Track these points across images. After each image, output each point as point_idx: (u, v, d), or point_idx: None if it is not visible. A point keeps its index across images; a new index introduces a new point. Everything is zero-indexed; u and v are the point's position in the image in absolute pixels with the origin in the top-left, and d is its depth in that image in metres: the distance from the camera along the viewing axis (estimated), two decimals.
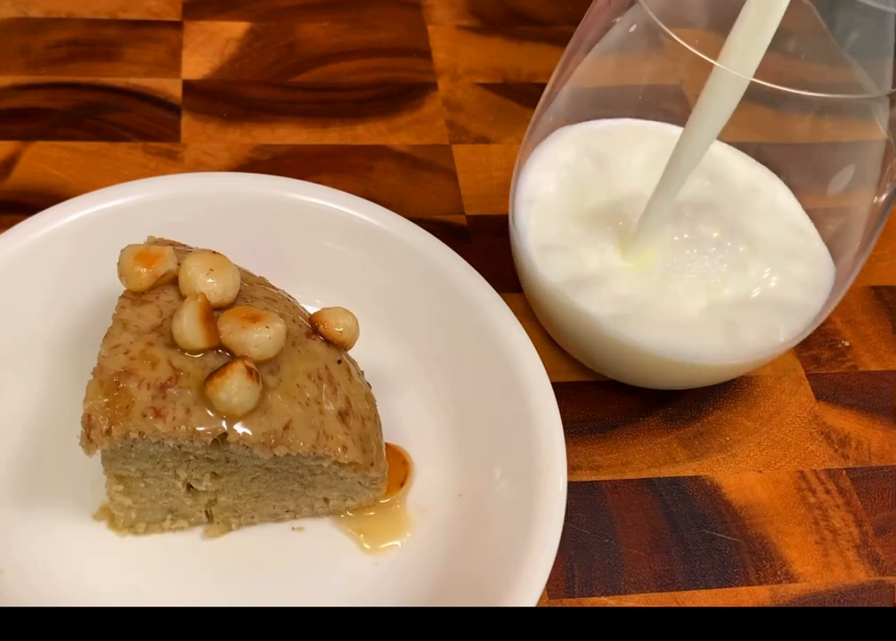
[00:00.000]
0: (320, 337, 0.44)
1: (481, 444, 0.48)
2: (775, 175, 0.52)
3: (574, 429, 0.52)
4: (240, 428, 0.40)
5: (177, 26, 0.68)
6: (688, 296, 0.47)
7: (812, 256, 0.49)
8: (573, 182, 0.50)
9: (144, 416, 0.39)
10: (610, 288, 0.47)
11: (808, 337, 0.50)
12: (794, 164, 0.51)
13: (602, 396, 0.53)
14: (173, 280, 0.42)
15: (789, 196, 0.51)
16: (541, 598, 0.44)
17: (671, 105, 0.51)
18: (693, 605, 0.47)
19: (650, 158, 0.51)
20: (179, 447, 0.40)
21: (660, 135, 0.51)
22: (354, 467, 0.43)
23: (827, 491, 0.51)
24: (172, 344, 0.40)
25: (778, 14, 0.38)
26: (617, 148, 0.52)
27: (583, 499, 0.49)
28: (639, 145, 0.52)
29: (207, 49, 0.67)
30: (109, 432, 0.38)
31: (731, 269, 0.47)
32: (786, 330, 0.47)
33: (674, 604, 0.47)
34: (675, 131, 0.50)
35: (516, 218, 0.50)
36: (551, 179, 0.50)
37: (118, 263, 0.42)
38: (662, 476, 0.51)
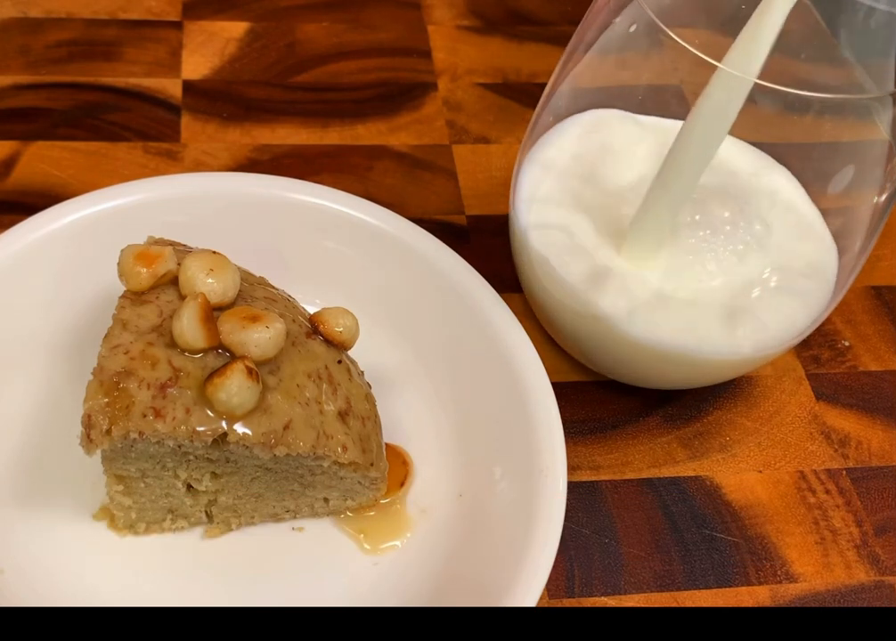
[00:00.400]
0: (320, 337, 0.44)
1: (481, 444, 0.48)
2: (781, 166, 0.51)
3: (574, 429, 0.52)
4: (240, 428, 0.40)
5: (177, 26, 0.68)
6: (694, 292, 0.46)
7: (819, 246, 0.49)
8: (575, 177, 0.50)
9: (144, 416, 0.39)
10: (613, 284, 0.46)
11: (808, 337, 0.50)
12: (794, 164, 0.51)
13: (602, 396, 0.53)
14: (173, 280, 0.42)
15: (792, 183, 0.51)
16: (541, 598, 0.44)
17: (670, 105, 0.51)
18: (693, 605, 0.47)
19: (653, 149, 0.50)
20: (179, 447, 0.40)
21: (663, 127, 0.51)
22: (354, 467, 0.43)
23: (827, 491, 0.51)
24: (172, 344, 0.40)
25: (783, 14, 0.38)
26: (620, 139, 0.51)
27: (583, 499, 0.49)
28: (642, 136, 0.51)
29: (207, 49, 0.67)
30: (109, 432, 0.38)
31: (736, 264, 0.47)
32: (794, 323, 0.47)
33: (674, 604, 0.47)
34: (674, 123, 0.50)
35: (516, 215, 0.49)
36: (552, 175, 0.50)
37: (118, 263, 0.42)
38: (662, 476, 0.51)
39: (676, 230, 0.47)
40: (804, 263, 0.48)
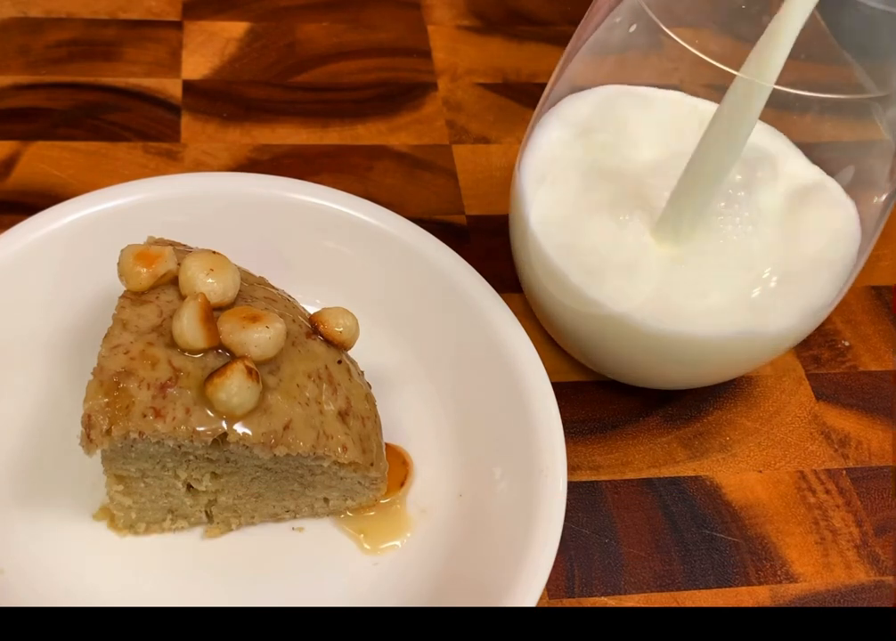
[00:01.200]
0: (320, 337, 0.44)
1: (481, 444, 0.48)
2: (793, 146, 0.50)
3: (574, 429, 0.52)
4: (240, 428, 0.40)
5: (177, 26, 0.68)
6: (712, 280, 0.45)
7: (841, 216, 0.47)
8: (578, 168, 0.48)
9: (144, 416, 0.39)
10: (621, 276, 0.45)
11: (808, 337, 0.50)
12: None
13: (602, 396, 0.53)
14: (173, 280, 0.42)
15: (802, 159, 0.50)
16: (541, 598, 0.44)
17: None
18: (693, 605, 0.47)
19: (663, 125, 0.49)
20: (179, 447, 0.40)
21: (676, 102, 0.50)
22: (354, 467, 0.43)
23: (827, 491, 0.51)
24: (172, 344, 0.40)
25: (801, 20, 0.38)
26: (626, 118, 0.49)
27: (583, 499, 0.49)
28: (649, 113, 0.50)
29: (207, 49, 0.67)
30: (109, 432, 0.38)
31: (757, 250, 0.45)
32: (821, 294, 0.46)
33: (674, 604, 0.47)
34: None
35: (518, 211, 0.48)
36: (554, 170, 0.48)
37: (118, 263, 0.42)
38: (662, 476, 0.51)
39: (704, 221, 0.45)
40: (828, 237, 0.47)
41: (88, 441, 0.39)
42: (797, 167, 0.49)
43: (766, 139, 0.49)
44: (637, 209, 0.46)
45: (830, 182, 0.48)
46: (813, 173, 0.49)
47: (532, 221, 0.47)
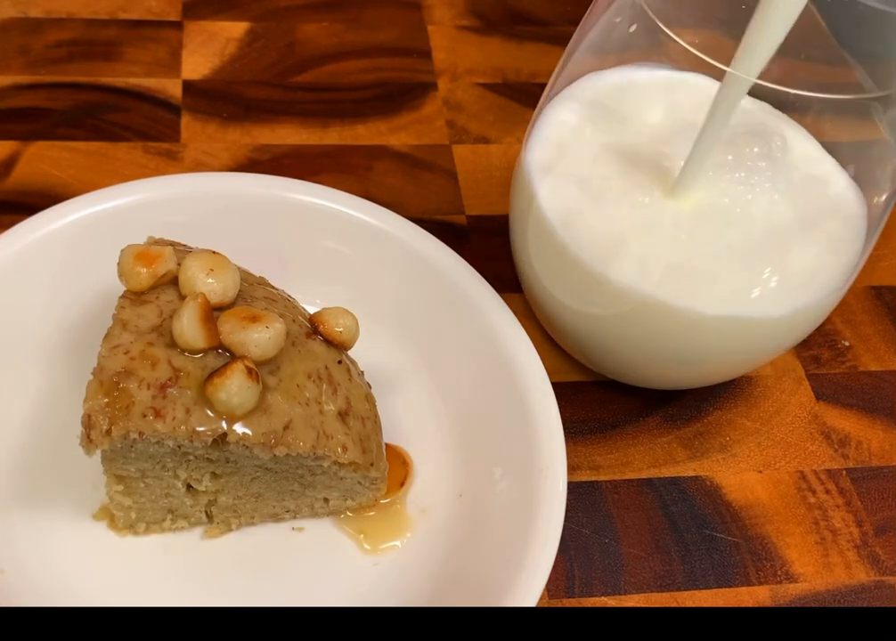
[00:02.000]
0: (320, 337, 0.44)
1: (481, 444, 0.48)
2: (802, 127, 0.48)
3: (574, 429, 0.52)
4: (239, 428, 0.40)
5: (177, 26, 0.68)
6: (722, 255, 0.44)
7: (844, 194, 0.46)
8: (584, 154, 0.47)
9: (144, 416, 0.39)
10: (632, 257, 0.44)
11: (808, 337, 0.50)
12: None
13: (602, 396, 0.53)
14: (173, 280, 0.42)
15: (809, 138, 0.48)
16: (541, 598, 0.44)
17: None
18: (693, 605, 0.47)
19: (673, 103, 0.48)
20: (179, 447, 0.40)
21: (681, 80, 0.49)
22: (354, 467, 0.43)
23: (827, 491, 0.51)
24: (172, 344, 0.40)
25: (794, 16, 0.38)
26: (635, 106, 0.48)
27: (583, 499, 0.49)
28: (659, 92, 0.49)
29: (207, 49, 0.67)
30: (109, 432, 0.38)
31: (766, 231, 0.44)
32: (828, 278, 0.45)
33: (674, 604, 0.47)
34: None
35: (524, 187, 0.48)
36: (561, 153, 0.47)
37: (118, 263, 0.42)
38: (662, 476, 0.51)
39: (716, 203, 0.44)
40: (836, 226, 0.46)
41: (88, 441, 0.39)
42: (811, 157, 0.48)
43: (787, 130, 0.49)
44: (647, 187, 0.45)
45: (841, 174, 0.47)
46: (826, 164, 0.48)
47: (539, 196, 0.46)
